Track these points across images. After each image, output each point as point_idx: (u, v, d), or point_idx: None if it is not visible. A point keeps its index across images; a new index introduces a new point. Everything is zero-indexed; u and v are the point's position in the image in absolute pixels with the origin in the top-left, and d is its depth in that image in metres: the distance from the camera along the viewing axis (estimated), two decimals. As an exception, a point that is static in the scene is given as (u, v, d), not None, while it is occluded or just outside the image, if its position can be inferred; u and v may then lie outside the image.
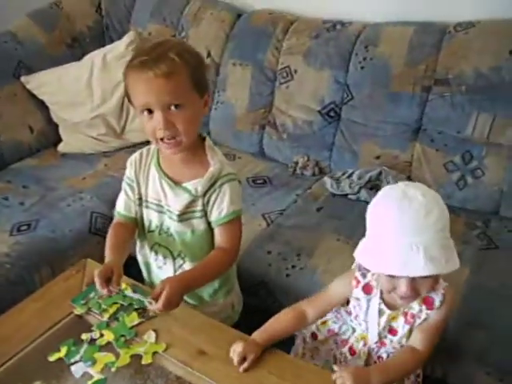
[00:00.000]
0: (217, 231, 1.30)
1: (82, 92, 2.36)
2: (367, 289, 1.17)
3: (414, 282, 1.03)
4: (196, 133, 1.25)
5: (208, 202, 1.27)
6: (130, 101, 1.23)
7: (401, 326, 1.16)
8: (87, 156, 2.34)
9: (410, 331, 1.16)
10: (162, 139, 1.18)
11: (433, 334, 1.14)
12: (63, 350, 1.18)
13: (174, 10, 2.51)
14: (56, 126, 2.42)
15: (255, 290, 1.62)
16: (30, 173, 2.20)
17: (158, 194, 1.30)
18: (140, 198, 1.34)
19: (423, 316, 1.13)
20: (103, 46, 2.56)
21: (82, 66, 2.41)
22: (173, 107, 1.14)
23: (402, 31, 2.01)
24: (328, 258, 1.65)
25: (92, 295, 1.32)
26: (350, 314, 1.23)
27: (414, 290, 1.05)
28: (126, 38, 2.40)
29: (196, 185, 1.25)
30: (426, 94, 1.92)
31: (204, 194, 1.26)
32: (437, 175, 1.92)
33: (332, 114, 2.12)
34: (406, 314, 1.15)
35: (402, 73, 1.95)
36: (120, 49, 2.39)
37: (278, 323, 1.21)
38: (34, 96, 2.38)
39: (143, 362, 1.15)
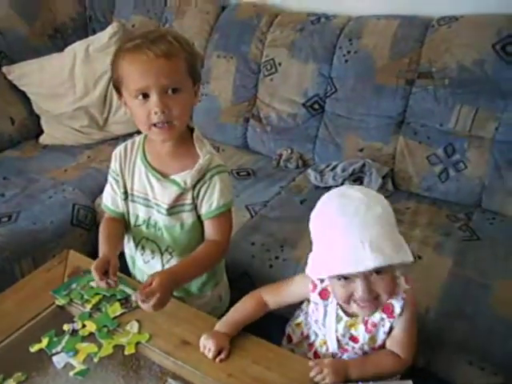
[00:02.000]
0: (207, 224, 1.27)
1: (65, 83, 2.34)
2: (324, 294, 1.14)
3: (369, 283, 1.00)
4: (188, 119, 1.22)
5: (198, 194, 1.24)
6: (118, 88, 1.18)
7: (361, 334, 1.12)
8: (69, 148, 2.31)
9: (372, 339, 1.12)
10: (155, 125, 1.14)
11: (408, 342, 1.11)
12: (44, 341, 1.17)
13: (157, 1, 2.49)
14: (38, 118, 2.40)
15: (239, 282, 1.61)
16: (11, 164, 2.18)
17: (144, 187, 1.27)
18: (125, 192, 1.31)
19: (387, 325, 1.10)
20: (86, 37, 2.53)
21: (65, 56, 2.38)
22: (170, 91, 1.11)
23: (386, 24, 2.01)
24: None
25: (74, 286, 1.31)
26: (311, 318, 1.21)
27: (371, 292, 1.00)
28: (110, 29, 2.37)
29: (185, 177, 1.22)
30: (409, 87, 1.93)
31: (193, 187, 1.23)
32: (419, 168, 1.93)
33: (316, 106, 2.12)
34: (366, 323, 1.11)
35: (386, 66, 1.96)
36: (103, 40, 2.36)
37: (238, 313, 1.20)
38: (15, 87, 2.36)
39: (126, 353, 1.15)
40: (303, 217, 1.78)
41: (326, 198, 1.07)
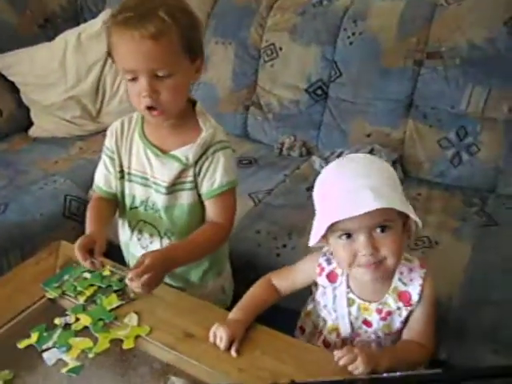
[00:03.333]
0: (208, 204, 1.18)
1: (55, 73, 2.24)
2: (332, 277, 1.08)
3: (372, 239, 0.93)
4: (184, 101, 1.13)
5: (200, 171, 1.15)
6: (113, 60, 1.10)
7: (375, 320, 1.05)
8: (60, 140, 2.22)
9: (387, 327, 1.06)
10: (146, 107, 1.07)
11: (430, 330, 1.05)
12: (34, 336, 1.07)
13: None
14: (27, 109, 2.30)
15: (243, 273, 1.51)
16: (-1, 157, 2.08)
17: (142, 165, 1.18)
18: (122, 171, 1.22)
19: (404, 314, 1.03)
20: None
21: (55, 45, 2.29)
22: (161, 73, 1.03)
23: (391, 5, 1.94)
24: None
25: (66, 278, 1.22)
26: (319, 303, 1.14)
27: (375, 249, 0.93)
28: (103, 16, 2.28)
29: (186, 152, 1.13)
30: (417, 68, 1.85)
31: (195, 163, 1.14)
32: (430, 152, 1.85)
33: (319, 92, 2.04)
34: (380, 311, 1.05)
35: (393, 47, 1.88)
36: (95, 27, 2.27)
37: (251, 298, 1.12)
38: (3, 77, 2.27)
39: (124, 347, 1.05)
40: (310, 204, 1.71)
41: (329, 164, 1.04)
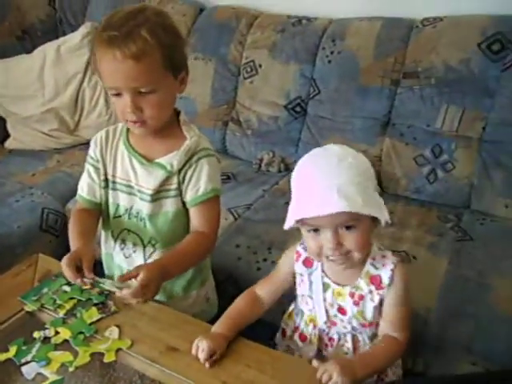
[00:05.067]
0: (193, 212, 1.18)
1: (33, 85, 2.23)
2: (308, 262, 1.11)
3: (337, 235, 0.97)
4: (168, 114, 1.14)
5: (184, 178, 1.16)
6: (98, 74, 1.13)
7: (349, 306, 1.08)
8: (37, 152, 2.20)
9: (361, 313, 1.08)
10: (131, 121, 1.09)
11: (402, 318, 1.06)
12: (12, 350, 1.05)
13: (132, 3, 2.40)
14: (3, 121, 2.28)
15: (225, 286, 1.51)
16: (-26, 169, 2.04)
17: (127, 173, 1.19)
18: (106, 180, 1.22)
19: (376, 298, 1.06)
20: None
21: (34, 57, 2.28)
22: (143, 90, 1.05)
23: (369, 25, 1.98)
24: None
25: (45, 291, 1.20)
26: (298, 295, 1.17)
27: (339, 244, 0.98)
28: (83, 29, 2.29)
29: (171, 159, 1.14)
30: (394, 87, 1.89)
31: (179, 171, 1.15)
32: (407, 169, 1.88)
33: (298, 109, 2.07)
34: (352, 295, 1.07)
35: (371, 66, 1.92)
36: (75, 40, 2.27)
37: (235, 312, 1.12)
38: (-22, 88, 2.23)
39: (105, 360, 1.03)
40: None
41: (304, 156, 1.05)
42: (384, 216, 0.98)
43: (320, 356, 1.15)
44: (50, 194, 1.89)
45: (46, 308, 1.16)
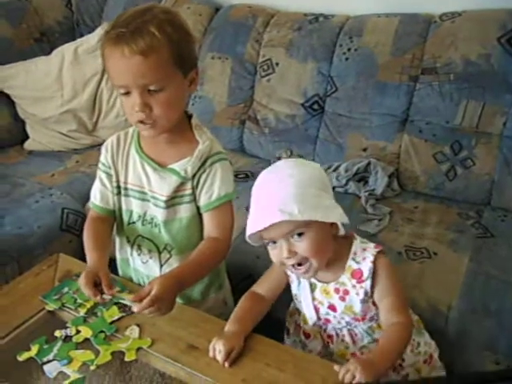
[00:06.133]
0: (206, 217, 1.17)
1: (52, 86, 2.24)
2: None
3: (289, 244, 1.04)
4: (178, 114, 1.12)
5: (197, 183, 1.15)
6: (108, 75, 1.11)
7: (337, 303, 1.11)
8: (56, 153, 2.21)
9: (349, 308, 1.11)
10: (140, 121, 1.07)
11: (399, 302, 1.08)
12: (34, 349, 1.06)
13: (149, 3, 2.41)
14: (22, 123, 2.29)
15: (243, 286, 1.50)
16: (-5, 170, 2.06)
17: (140, 179, 1.18)
18: (118, 187, 1.21)
19: (361, 292, 1.08)
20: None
21: (52, 59, 2.29)
22: (152, 88, 1.03)
23: (386, 22, 1.96)
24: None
25: (66, 290, 1.21)
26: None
27: (291, 253, 1.03)
28: (100, 30, 2.29)
29: (185, 165, 1.13)
30: (413, 84, 1.87)
31: (193, 176, 1.14)
32: (426, 166, 1.86)
33: (315, 106, 2.05)
34: (337, 291, 1.11)
35: (388, 62, 1.90)
36: (92, 42, 2.28)
37: (243, 310, 1.14)
38: (-1, 91, 2.26)
39: (126, 359, 1.04)
40: None
41: (263, 171, 1.13)
42: (333, 218, 1.04)
43: (327, 351, 1.17)
44: (70, 194, 1.89)
45: (67, 307, 1.17)
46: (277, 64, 2.11)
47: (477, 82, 1.77)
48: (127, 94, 1.05)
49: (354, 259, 1.10)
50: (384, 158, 1.91)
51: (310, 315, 1.15)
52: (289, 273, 1.16)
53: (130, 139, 1.20)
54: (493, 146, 1.78)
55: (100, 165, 1.23)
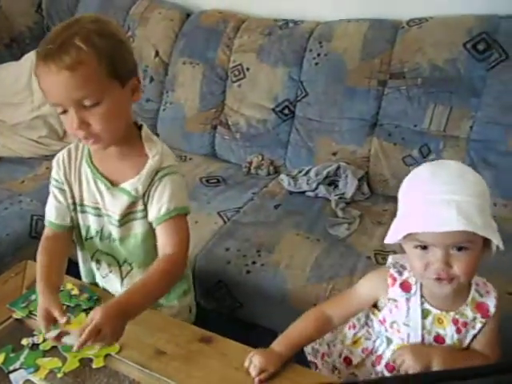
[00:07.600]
0: (158, 232, 1.12)
1: (22, 92, 2.23)
2: (405, 286, 1.03)
3: (448, 256, 0.91)
4: (122, 126, 1.07)
5: (148, 198, 1.12)
6: None
7: (449, 334, 1.01)
8: (26, 160, 2.19)
9: (460, 341, 1.01)
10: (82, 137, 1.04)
11: (497, 342, 1.02)
12: (0, 357, 1.05)
13: (119, 9, 2.43)
14: (-9, 129, 2.25)
15: (213, 291, 1.51)
16: (-40, 177, 2.02)
17: (94, 196, 1.15)
18: (74, 203, 1.18)
19: (478, 326, 1.00)
20: (44, 47, 2.42)
21: (22, 64, 2.28)
22: (87, 102, 0.98)
23: (356, 27, 1.99)
24: (290, 253, 1.58)
25: (33, 298, 1.19)
26: (383, 322, 1.08)
27: (447, 265, 0.91)
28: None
29: (135, 184, 1.10)
30: (381, 88, 1.90)
31: (143, 193, 1.11)
32: (395, 169, 1.89)
33: (286, 111, 2.07)
34: (456, 322, 1.00)
35: (357, 67, 1.93)
36: (62, 47, 2.26)
37: (298, 330, 1.07)
38: (-33, 96, 2.23)
39: (94, 366, 1.03)
40: (279, 221, 1.76)
41: (419, 166, 1.00)
42: (497, 240, 0.90)
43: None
44: (39, 200, 1.86)
45: (35, 315, 1.14)
46: (248, 69, 2.12)
47: (444, 87, 1.81)
48: (64, 112, 1.00)
49: (477, 291, 1.01)
50: (354, 162, 1.94)
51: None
52: (394, 299, 1.04)
53: (80, 154, 1.17)
54: (460, 149, 1.81)
55: (52, 181, 1.18)
